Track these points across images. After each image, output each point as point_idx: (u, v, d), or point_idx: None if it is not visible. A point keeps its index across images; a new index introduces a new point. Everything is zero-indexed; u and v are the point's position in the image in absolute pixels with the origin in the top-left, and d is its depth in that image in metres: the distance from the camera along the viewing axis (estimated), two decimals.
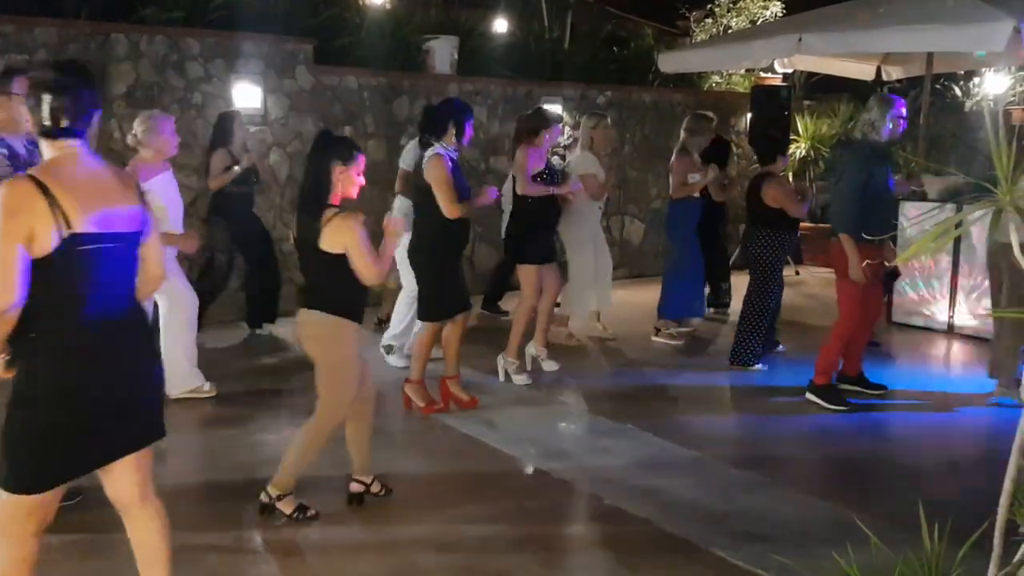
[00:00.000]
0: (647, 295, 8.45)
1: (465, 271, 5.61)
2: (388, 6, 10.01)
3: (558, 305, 6.76)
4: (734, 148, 10.34)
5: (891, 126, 5.45)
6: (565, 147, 8.19)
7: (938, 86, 10.75)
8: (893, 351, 7.21)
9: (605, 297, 7.10)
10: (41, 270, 2.46)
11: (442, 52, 9.28)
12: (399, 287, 6.51)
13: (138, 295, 2.76)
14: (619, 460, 4.73)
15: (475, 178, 9.38)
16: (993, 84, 10.91)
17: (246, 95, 7.88)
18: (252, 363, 6.51)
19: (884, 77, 9.50)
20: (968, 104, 11.10)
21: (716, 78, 12.01)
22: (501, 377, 6.14)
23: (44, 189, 2.44)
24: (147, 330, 2.93)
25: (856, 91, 11.81)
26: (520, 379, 6.09)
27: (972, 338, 7.46)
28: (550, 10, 11.27)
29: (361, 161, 3.80)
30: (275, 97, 8.09)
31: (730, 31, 11.74)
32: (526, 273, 6.03)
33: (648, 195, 10.64)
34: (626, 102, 10.46)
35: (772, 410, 5.70)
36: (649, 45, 11.92)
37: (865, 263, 5.30)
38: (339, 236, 3.64)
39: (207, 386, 5.63)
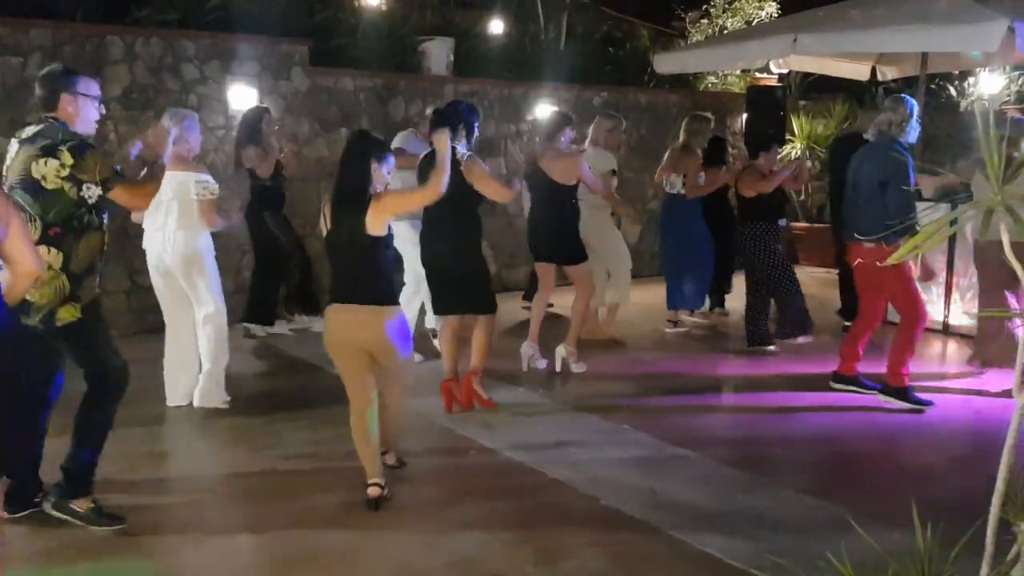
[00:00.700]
0: (644, 295, 8.47)
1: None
2: (384, 7, 10.02)
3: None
4: (730, 148, 10.35)
5: (918, 127, 5.50)
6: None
7: (933, 86, 10.78)
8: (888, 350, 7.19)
9: (624, 294, 7.36)
10: None
11: (438, 53, 9.28)
12: None
13: (8, 295, 2.92)
14: (616, 460, 4.73)
15: None
16: (988, 84, 10.93)
17: (242, 97, 7.87)
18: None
19: (879, 77, 9.52)
20: (963, 104, 11.12)
21: (712, 79, 12.03)
22: (558, 367, 6.37)
23: None
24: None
25: (851, 91, 11.84)
26: (578, 367, 6.39)
27: (967, 337, 7.47)
28: (546, 11, 11.28)
29: (391, 162, 4.19)
30: (271, 99, 8.08)
31: (726, 32, 11.76)
32: (585, 271, 6.34)
33: (644, 196, 10.64)
34: (622, 103, 10.47)
35: (768, 410, 5.71)
36: (645, 46, 11.94)
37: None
38: (379, 210, 3.99)
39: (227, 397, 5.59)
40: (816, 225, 12.11)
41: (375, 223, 4.00)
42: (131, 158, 4.34)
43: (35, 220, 3.62)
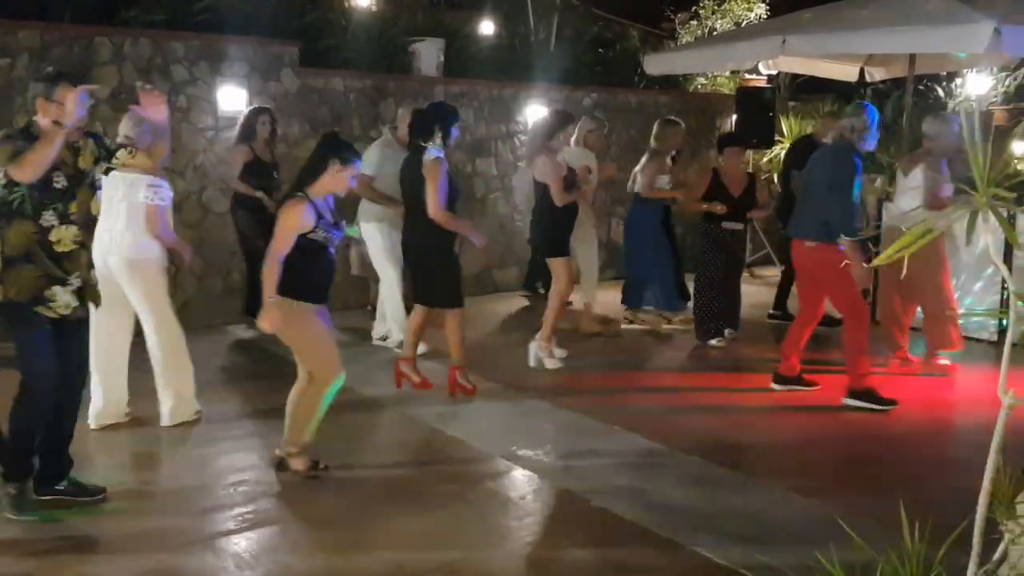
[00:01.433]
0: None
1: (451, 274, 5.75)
2: (374, 8, 10.00)
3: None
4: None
5: (876, 135, 5.59)
6: None
7: (921, 87, 10.83)
8: (877, 350, 7.22)
9: (591, 295, 7.55)
10: None
11: (428, 54, 9.28)
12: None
13: None
14: (606, 461, 4.75)
15: (462, 179, 9.39)
16: (975, 85, 10.99)
17: (231, 98, 7.85)
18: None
19: (867, 78, 9.55)
20: (951, 105, 11.17)
21: (701, 80, 12.05)
22: (532, 362, 6.49)
23: None
24: None
25: (840, 92, 11.88)
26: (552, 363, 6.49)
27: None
28: (536, 12, 11.27)
29: (357, 167, 4.39)
30: (260, 100, 8.05)
31: (715, 33, 11.78)
32: (558, 265, 6.52)
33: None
34: (612, 104, 10.48)
35: (758, 410, 5.73)
36: (635, 47, 11.95)
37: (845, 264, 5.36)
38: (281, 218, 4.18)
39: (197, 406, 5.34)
40: None
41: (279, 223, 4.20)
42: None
43: None
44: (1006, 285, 2.06)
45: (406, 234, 5.89)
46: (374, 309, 7.48)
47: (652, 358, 6.99)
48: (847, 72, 9.48)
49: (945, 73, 10.80)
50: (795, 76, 11.70)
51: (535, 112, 9.60)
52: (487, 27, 10.90)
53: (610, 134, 9.88)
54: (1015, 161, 8.74)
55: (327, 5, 9.40)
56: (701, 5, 12.29)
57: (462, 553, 3.70)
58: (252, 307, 7.37)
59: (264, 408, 5.45)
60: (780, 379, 6.03)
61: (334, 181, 4.25)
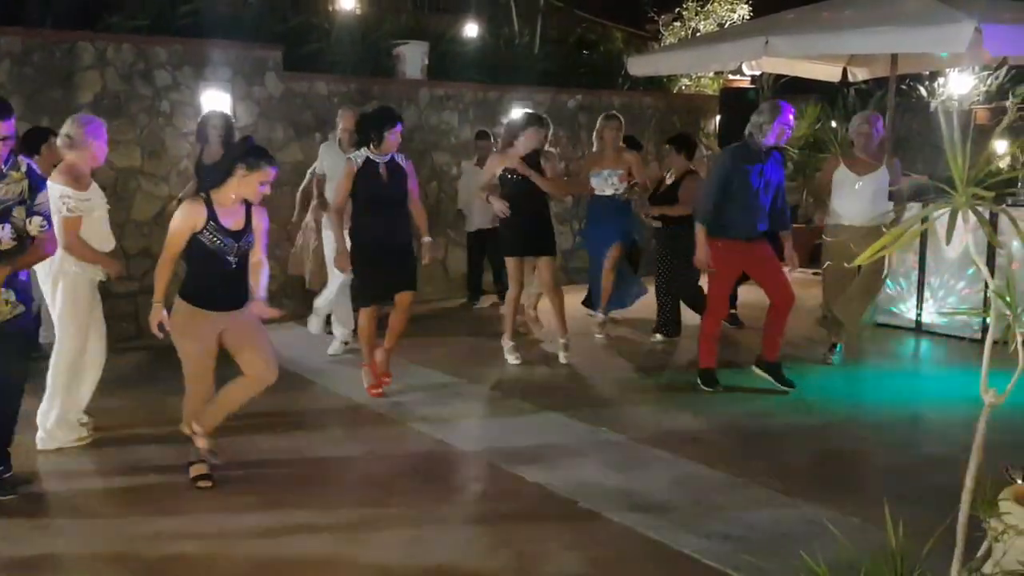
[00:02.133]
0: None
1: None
2: (358, 12, 10.00)
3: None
4: (703, 150, 10.39)
5: (778, 132, 5.75)
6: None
7: (903, 86, 10.89)
8: (862, 349, 7.26)
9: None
10: None
11: (412, 57, 9.28)
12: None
13: None
14: (593, 463, 4.75)
15: (446, 181, 9.40)
16: (957, 84, 11.06)
17: (215, 102, 7.82)
18: None
19: (850, 78, 9.58)
20: (933, 104, 11.24)
21: (685, 81, 12.09)
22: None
23: None
24: None
25: (823, 93, 11.93)
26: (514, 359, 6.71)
27: (940, 335, 7.57)
28: (520, 15, 11.29)
29: (269, 173, 4.20)
30: (244, 104, 8.05)
31: (698, 34, 11.82)
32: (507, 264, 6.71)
33: None
34: (596, 105, 10.49)
35: (745, 411, 5.75)
36: (618, 48, 11.98)
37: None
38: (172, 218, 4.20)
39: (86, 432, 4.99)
40: (797, 226, 12.20)
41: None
42: None
43: None
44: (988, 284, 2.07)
45: (381, 235, 5.65)
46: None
47: (638, 359, 6.99)
48: (830, 72, 9.51)
49: (927, 72, 10.86)
50: (778, 77, 11.73)
51: (519, 114, 9.60)
52: (471, 30, 10.90)
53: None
54: (996, 160, 8.80)
55: (311, 9, 9.39)
56: (684, 6, 12.33)
57: (448, 557, 3.69)
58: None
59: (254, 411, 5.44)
60: (760, 363, 6.16)
61: (241, 186, 4.14)
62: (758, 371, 6.12)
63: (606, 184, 7.26)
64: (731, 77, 11.09)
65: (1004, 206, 5.22)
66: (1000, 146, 9.35)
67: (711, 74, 11.76)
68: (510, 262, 6.63)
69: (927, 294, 7.70)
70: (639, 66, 9.30)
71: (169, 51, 7.67)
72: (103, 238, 4.90)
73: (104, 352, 5.06)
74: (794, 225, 12.18)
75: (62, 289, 4.77)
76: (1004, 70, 10.34)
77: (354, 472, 4.70)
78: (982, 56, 7.63)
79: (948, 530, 2.27)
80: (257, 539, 3.84)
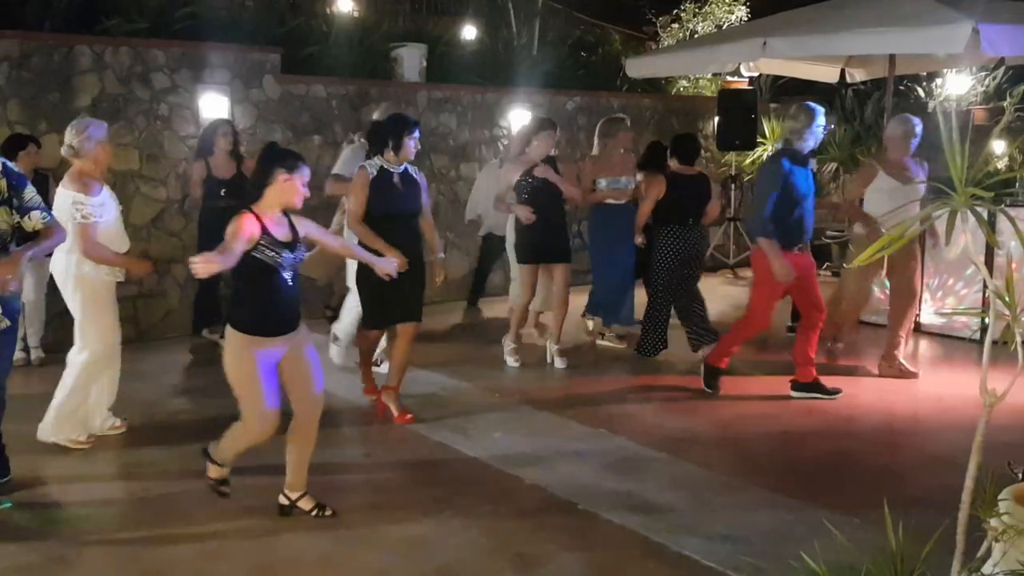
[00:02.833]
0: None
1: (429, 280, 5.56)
2: (356, 14, 9.99)
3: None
4: (702, 152, 10.41)
5: (816, 135, 5.63)
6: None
7: (901, 87, 10.90)
8: (861, 349, 7.26)
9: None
10: None
11: (410, 60, 9.28)
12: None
13: None
14: (592, 464, 4.75)
15: (445, 184, 9.39)
16: (955, 85, 11.07)
17: (213, 105, 7.83)
18: None
19: (848, 79, 9.61)
20: (931, 105, 11.25)
21: (683, 82, 12.10)
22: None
23: None
24: None
25: (821, 94, 11.95)
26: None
27: (938, 336, 7.57)
28: (518, 17, 11.29)
29: (307, 173, 3.90)
30: (242, 107, 8.04)
31: (696, 36, 11.83)
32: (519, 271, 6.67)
33: None
34: (595, 107, 10.51)
35: (743, 412, 5.74)
36: (617, 50, 11.99)
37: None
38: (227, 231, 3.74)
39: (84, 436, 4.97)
40: None
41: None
42: None
43: None
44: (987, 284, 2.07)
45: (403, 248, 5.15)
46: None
47: (634, 362, 6.98)
48: (828, 73, 9.54)
49: (925, 73, 10.88)
50: (776, 78, 11.77)
51: (518, 117, 9.61)
52: (469, 32, 10.91)
53: (593, 138, 9.90)
54: (994, 160, 8.81)
55: (309, 12, 9.39)
56: (682, 8, 12.34)
57: (447, 558, 3.69)
58: (198, 326, 7.37)
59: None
60: (798, 386, 5.95)
61: (283, 192, 3.80)
62: (799, 394, 5.90)
63: (623, 192, 6.99)
64: (729, 79, 11.09)
65: (1002, 206, 5.23)
66: (998, 146, 9.36)
67: (709, 76, 11.77)
68: (525, 269, 6.54)
69: (925, 295, 7.69)
70: (637, 68, 9.32)
71: (167, 54, 7.67)
72: (118, 239, 4.93)
73: (119, 354, 5.08)
74: None
75: (80, 292, 4.79)
76: (1002, 70, 10.35)
77: (352, 474, 4.69)
78: (979, 56, 7.64)
79: (948, 530, 2.27)
80: (256, 540, 3.84)
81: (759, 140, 10.96)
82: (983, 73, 10.81)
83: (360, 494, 4.41)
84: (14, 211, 3.99)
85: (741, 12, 12.15)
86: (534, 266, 6.55)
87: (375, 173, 5.19)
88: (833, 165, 11.50)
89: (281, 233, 3.82)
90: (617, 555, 3.74)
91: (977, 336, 7.25)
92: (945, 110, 9.33)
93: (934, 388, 6.20)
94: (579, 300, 7.35)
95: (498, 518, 4.11)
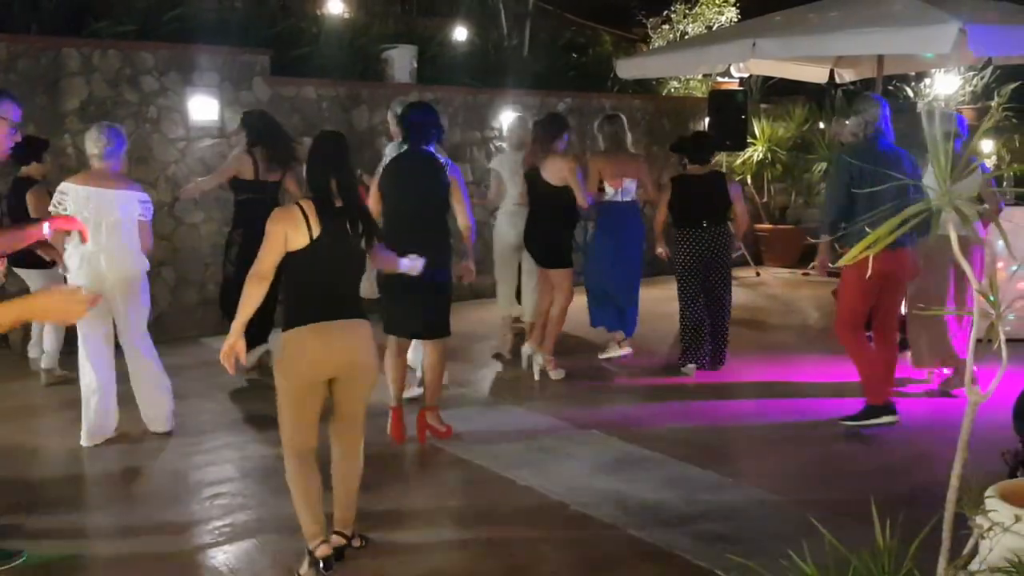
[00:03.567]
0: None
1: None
2: (346, 16, 9.99)
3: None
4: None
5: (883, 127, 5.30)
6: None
7: (890, 87, 10.94)
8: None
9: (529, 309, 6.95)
10: None
11: (401, 61, 9.28)
12: None
13: None
14: (583, 464, 4.76)
15: None
16: (943, 85, 11.12)
17: (202, 108, 7.82)
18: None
19: (837, 80, 9.64)
20: (919, 104, 11.30)
21: (674, 83, 12.13)
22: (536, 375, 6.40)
23: None
24: None
25: (811, 94, 11.99)
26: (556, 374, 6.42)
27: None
28: (509, 18, 11.31)
29: None
30: (232, 109, 8.02)
31: (686, 37, 11.86)
32: (561, 275, 6.32)
33: None
34: (586, 108, 10.52)
35: (734, 412, 5.77)
36: (607, 51, 12.02)
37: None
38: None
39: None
40: (780, 226, 12.25)
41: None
42: None
43: None
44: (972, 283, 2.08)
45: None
46: None
47: (624, 363, 6.99)
48: (817, 74, 9.57)
49: (914, 73, 10.92)
50: (766, 78, 11.81)
51: (509, 118, 9.60)
52: (460, 33, 10.91)
53: (584, 138, 9.93)
54: (981, 159, 8.84)
55: (299, 13, 9.39)
56: (673, 9, 12.37)
57: (439, 560, 3.70)
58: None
59: (239, 418, 5.43)
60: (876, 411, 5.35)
61: None
62: (873, 421, 5.30)
63: (625, 193, 6.66)
64: (719, 79, 11.12)
65: (985, 206, 5.20)
66: (986, 145, 9.40)
67: (699, 76, 11.80)
68: (536, 274, 6.37)
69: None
70: (628, 69, 9.33)
71: (156, 56, 7.65)
72: None
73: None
74: (782, 226, 12.30)
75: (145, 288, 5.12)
76: (990, 70, 10.40)
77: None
78: (967, 56, 7.68)
79: (936, 528, 2.28)
80: (247, 542, 3.83)
81: (749, 140, 10.98)
82: (971, 73, 10.86)
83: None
84: None
85: (731, 13, 12.19)
86: (543, 269, 6.38)
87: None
88: (823, 165, 11.56)
89: None
90: (608, 555, 3.74)
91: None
92: (930, 110, 9.37)
93: (925, 386, 6.21)
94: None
95: (490, 519, 4.11)
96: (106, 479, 4.71)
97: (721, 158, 11.39)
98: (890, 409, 5.29)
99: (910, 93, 11.40)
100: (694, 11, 12.26)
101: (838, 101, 11.62)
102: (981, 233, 5.73)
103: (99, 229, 4.82)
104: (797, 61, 9.00)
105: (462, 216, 5.07)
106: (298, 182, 6.33)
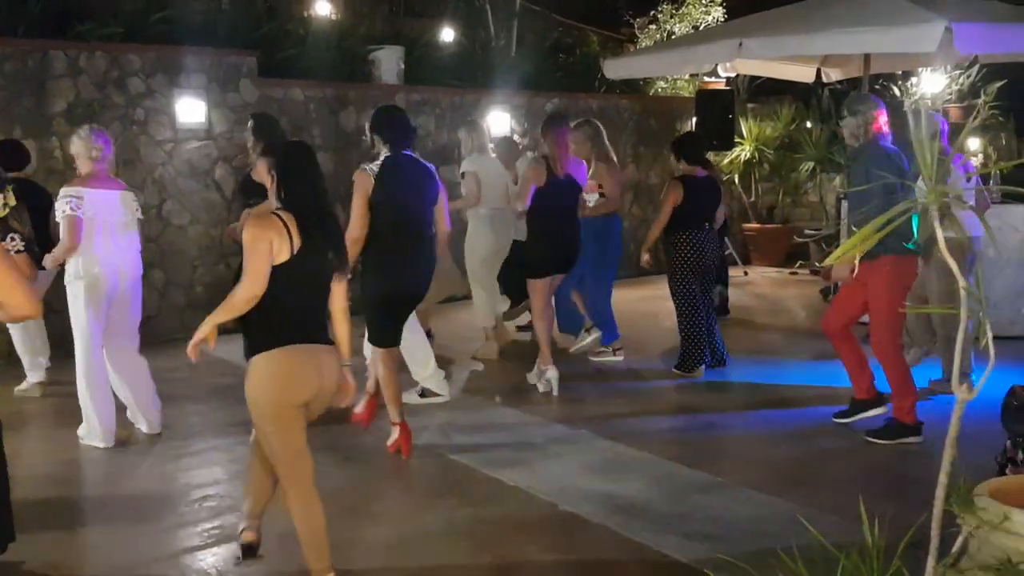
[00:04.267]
0: None
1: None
2: (333, 17, 9.98)
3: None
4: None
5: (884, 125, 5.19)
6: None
7: (877, 86, 10.97)
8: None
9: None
10: None
11: (388, 62, 9.27)
12: None
13: None
14: (573, 465, 4.76)
15: None
16: (930, 83, 11.16)
17: (189, 110, 7.79)
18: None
19: (824, 79, 9.68)
20: (907, 103, 11.34)
21: (661, 83, 12.15)
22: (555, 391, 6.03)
23: None
24: None
25: (797, 93, 12.03)
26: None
27: None
28: (496, 18, 11.30)
29: None
30: (219, 111, 8.00)
31: (673, 37, 11.88)
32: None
33: None
34: (573, 108, 10.51)
35: (723, 410, 5.78)
36: (594, 52, 12.03)
37: None
38: None
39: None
40: (767, 226, 12.28)
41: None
42: None
43: None
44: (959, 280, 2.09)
45: (422, 263, 4.90)
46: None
47: (614, 365, 6.99)
48: (804, 73, 9.60)
49: (900, 72, 10.96)
50: (753, 78, 11.83)
51: (496, 118, 9.61)
52: (447, 34, 10.91)
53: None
54: (968, 157, 8.88)
55: (285, 15, 9.37)
56: (660, 9, 12.38)
57: (428, 561, 3.69)
58: None
59: (228, 421, 5.41)
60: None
61: None
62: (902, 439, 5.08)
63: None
64: (706, 79, 11.14)
65: (971, 204, 5.17)
66: (972, 144, 9.44)
67: (686, 76, 11.81)
68: (538, 283, 6.01)
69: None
70: (615, 69, 9.34)
71: (142, 58, 7.62)
72: None
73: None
74: (770, 225, 12.34)
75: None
76: (976, 69, 10.44)
77: (332, 477, 4.67)
78: (953, 55, 7.71)
79: (925, 526, 2.29)
80: (235, 544, 3.82)
81: (737, 140, 11.00)
82: (958, 72, 10.91)
83: (339, 496, 4.39)
84: None
85: (718, 13, 12.21)
86: (546, 280, 6.07)
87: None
88: (810, 164, 11.59)
89: None
90: (597, 555, 3.75)
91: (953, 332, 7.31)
92: (917, 108, 9.41)
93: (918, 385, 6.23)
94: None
95: (479, 520, 4.10)
96: (95, 481, 4.69)
97: (708, 157, 11.40)
98: (917, 429, 5.07)
99: (897, 92, 11.44)
100: (681, 11, 12.28)
101: (825, 101, 11.67)
102: (977, 233, 5.67)
103: (107, 231, 4.93)
104: (784, 61, 9.03)
105: (442, 221, 5.07)
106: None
